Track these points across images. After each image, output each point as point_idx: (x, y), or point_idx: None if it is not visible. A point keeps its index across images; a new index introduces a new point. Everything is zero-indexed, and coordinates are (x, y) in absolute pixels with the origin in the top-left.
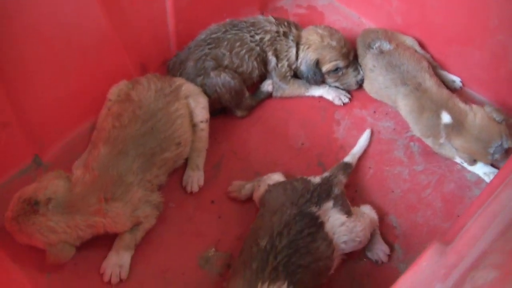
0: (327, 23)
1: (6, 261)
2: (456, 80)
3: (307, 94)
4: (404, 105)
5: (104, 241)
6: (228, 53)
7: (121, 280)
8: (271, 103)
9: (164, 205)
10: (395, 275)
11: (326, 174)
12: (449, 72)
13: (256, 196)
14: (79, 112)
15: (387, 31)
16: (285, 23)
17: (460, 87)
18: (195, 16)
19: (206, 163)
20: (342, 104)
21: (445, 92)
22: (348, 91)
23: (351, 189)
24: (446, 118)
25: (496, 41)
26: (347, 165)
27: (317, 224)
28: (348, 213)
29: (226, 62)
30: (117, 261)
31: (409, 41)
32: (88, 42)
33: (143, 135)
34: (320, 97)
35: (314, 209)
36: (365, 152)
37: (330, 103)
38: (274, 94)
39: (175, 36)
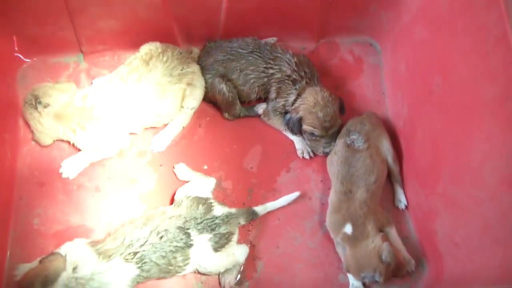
0: (357, 83)
1: None
2: (403, 201)
3: (284, 133)
4: (330, 196)
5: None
6: (239, 71)
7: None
8: (257, 121)
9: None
10: None
11: (232, 210)
12: (404, 191)
13: (177, 193)
14: (124, 42)
15: (377, 128)
16: (302, 72)
17: (403, 209)
18: (247, 17)
19: (180, 136)
20: (301, 157)
21: (365, 210)
22: (314, 152)
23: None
24: (348, 229)
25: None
26: (253, 213)
27: (187, 244)
28: (217, 250)
29: (233, 76)
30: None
31: (386, 147)
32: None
33: None
34: (292, 142)
35: (194, 232)
36: (285, 205)
37: (295, 151)
38: (261, 117)
39: (224, 26)
